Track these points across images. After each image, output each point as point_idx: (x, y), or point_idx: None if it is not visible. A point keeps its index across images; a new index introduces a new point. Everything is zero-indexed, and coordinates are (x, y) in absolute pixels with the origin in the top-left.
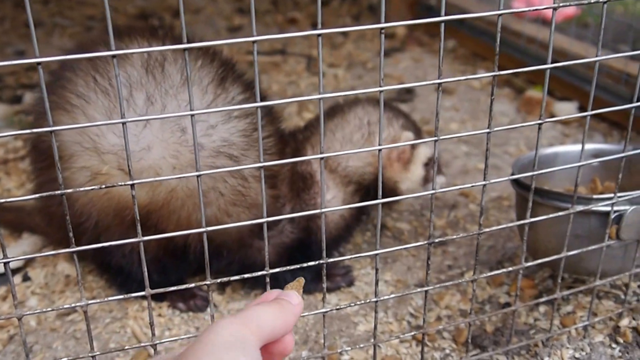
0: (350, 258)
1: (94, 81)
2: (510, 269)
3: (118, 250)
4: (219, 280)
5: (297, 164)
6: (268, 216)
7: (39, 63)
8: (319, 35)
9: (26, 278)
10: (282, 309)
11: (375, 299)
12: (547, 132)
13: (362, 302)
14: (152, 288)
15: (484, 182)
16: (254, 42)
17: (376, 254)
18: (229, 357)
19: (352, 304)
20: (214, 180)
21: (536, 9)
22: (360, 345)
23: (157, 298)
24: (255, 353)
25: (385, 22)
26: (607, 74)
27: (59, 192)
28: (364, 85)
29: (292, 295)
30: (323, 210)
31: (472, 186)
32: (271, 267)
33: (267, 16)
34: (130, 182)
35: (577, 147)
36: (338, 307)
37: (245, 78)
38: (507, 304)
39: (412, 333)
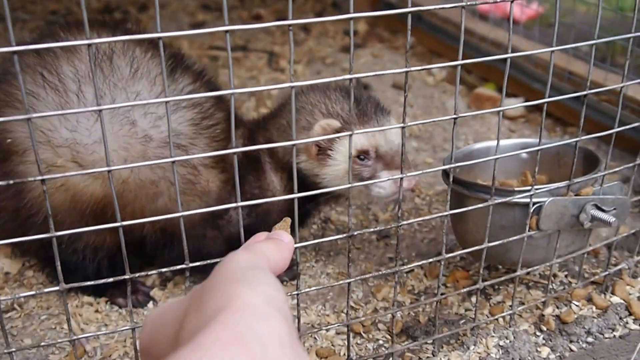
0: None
1: (42, 78)
2: (433, 259)
3: (70, 246)
4: (137, 275)
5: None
6: (219, 202)
7: (14, 52)
8: (289, 26)
9: None
10: (279, 245)
11: (296, 292)
12: (495, 127)
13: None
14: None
15: (401, 175)
16: (226, 32)
17: (297, 246)
18: (251, 275)
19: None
20: (164, 170)
21: (495, 1)
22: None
23: (96, 293)
24: (270, 275)
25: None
26: (554, 73)
27: (39, 177)
28: (321, 78)
29: (283, 234)
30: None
31: (394, 178)
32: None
33: (233, 12)
34: (41, 178)
35: (508, 142)
36: None
37: (194, 69)
38: (442, 295)
39: (340, 324)
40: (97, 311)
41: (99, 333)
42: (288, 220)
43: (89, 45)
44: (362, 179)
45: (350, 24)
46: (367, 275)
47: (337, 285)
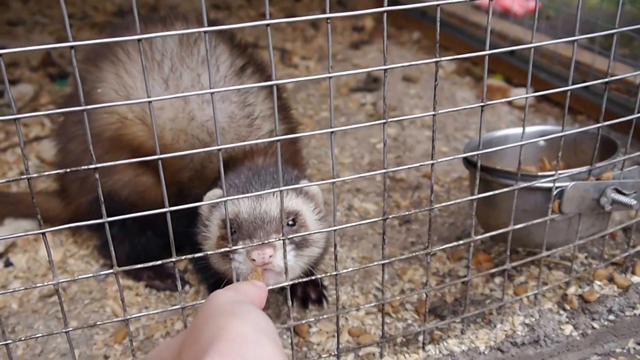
0: (311, 233)
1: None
2: (462, 242)
3: (118, 199)
4: (183, 258)
5: None
6: None
7: (72, 47)
8: (328, 19)
9: (8, 264)
10: (256, 286)
11: (335, 273)
12: (505, 117)
13: (324, 275)
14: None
15: (432, 161)
16: (267, 25)
17: (334, 230)
18: (239, 308)
19: (312, 277)
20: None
21: None
22: (324, 316)
23: (136, 277)
24: (256, 309)
25: (354, 15)
26: (559, 62)
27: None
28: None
29: (256, 281)
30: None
31: (422, 165)
32: None
33: (241, 11)
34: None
35: (526, 130)
36: (301, 279)
37: (266, 73)
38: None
39: (373, 304)
40: (137, 295)
41: (152, 312)
42: (259, 269)
43: (139, 40)
44: (226, 256)
45: (327, 25)
46: (403, 256)
47: (375, 265)
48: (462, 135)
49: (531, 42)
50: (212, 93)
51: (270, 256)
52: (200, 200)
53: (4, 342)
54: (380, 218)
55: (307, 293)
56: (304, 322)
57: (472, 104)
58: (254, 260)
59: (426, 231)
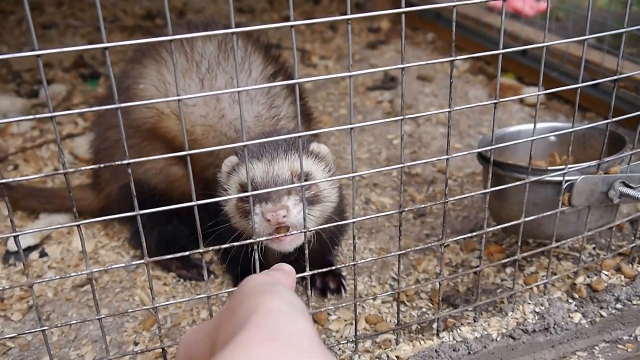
0: (331, 226)
1: (181, 44)
2: (475, 233)
3: (148, 187)
4: (210, 249)
5: None
6: None
7: (105, 48)
8: (348, 20)
9: (43, 254)
10: (285, 272)
11: (353, 263)
12: (516, 114)
13: (344, 265)
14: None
15: (447, 156)
16: (291, 27)
17: (353, 222)
18: (272, 287)
19: (333, 267)
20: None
21: None
22: (343, 305)
23: (164, 267)
24: (288, 289)
25: (371, 17)
26: (569, 61)
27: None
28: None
29: (284, 265)
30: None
31: (438, 159)
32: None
33: (264, 14)
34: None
35: (537, 126)
36: (321, 270)
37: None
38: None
39: (389, 293)
40: (165, 284)
41: (179, 301)
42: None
43: (171, 40)
44: (247, 216)
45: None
46: (417, 248)
47: (391, 256)
48: (476, 132)
49: (543, 42)
50: (239, 92)
51: (284, 216)
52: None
53: (40, 329)
54: (397, 211)
55: (325, 283)
56: (322, 309)
57: (483, 100)
58: (269, 220)
59: (440, 224)
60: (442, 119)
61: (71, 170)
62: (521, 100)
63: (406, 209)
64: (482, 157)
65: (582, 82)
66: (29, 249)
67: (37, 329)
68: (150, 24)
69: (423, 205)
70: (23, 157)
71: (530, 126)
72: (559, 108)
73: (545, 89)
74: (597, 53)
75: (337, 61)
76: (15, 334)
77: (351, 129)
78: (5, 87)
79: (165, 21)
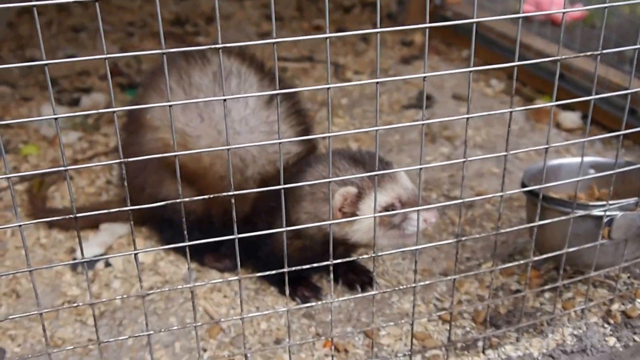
0: (391, 253)
1: (179, 78)
2: (522, 261)
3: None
4: (245, 276)
5: None
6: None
7: (164, 53)
8: (377, 32)
9: (108, 264)
10: None
11: (414, 285)
12: (552, 139)
13: (403, 286)
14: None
15: (501, 193)
16: (326, 38)
17: (416, 249)
18: None
19: (395, 289)
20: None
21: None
22: (402, 321)
23: (199, 262)
24: None
25: (403, 31)
26: (609, 87)
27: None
28: (387, 91)
29: None
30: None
31: (492, 197)
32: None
33: (294, 23)
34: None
35: (578, 160)
36: (381, 291)
37: (292, 99)
38: (518, 291)
39: (440, 313)
40: (225, 296)
41: (265, 313)
42: None
43: (219, 49)
44: (393, 226)
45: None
46: (469, 273)
47: (444, 280)
48: (513, 156)
49: (558, 55)
50: (224, 100)
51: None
52: (245, 218)
53: (146, 333)
54: (455, 240)
55: (352, 278)
56: (373, 327)
57: (520, 124)
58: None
59: (479, 248)
60: (479, 142)
61: (71, 167)
62: (557, 124)
63: (463, 239)
64: (529, 190)
65: (615, 107)
66: (94, 261)
67: (143, 333)
68: (180, 30)
69: (478, 236)
70: (75, 169)
71: (571, 160)
72: (595, 133)
73: (583, 115)
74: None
75: (371, 76)
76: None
77: (376, 130)
78: (45, 95)
79: (195, 28)
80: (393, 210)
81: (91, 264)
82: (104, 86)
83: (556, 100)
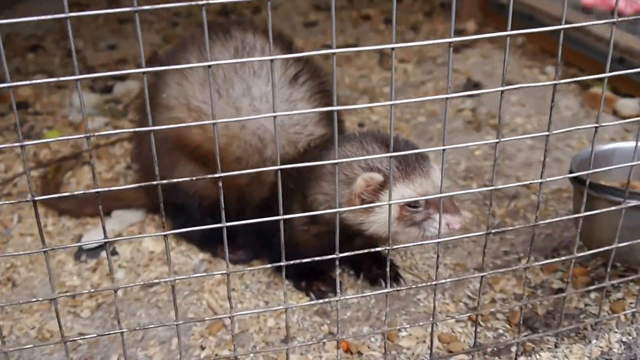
0: (415, 245)
1: (200, 54)
2: (563, 258)
3: (184, 191)
4: (233, 271)
5: None
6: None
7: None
8: (392, 48)
9: (114, 253)
10: None
11: (435, 282)
12: (608, 127)
13: (424, 284)
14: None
15: (540, 180)
16: (333, 54)
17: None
18: None
19: (413, 287)
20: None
21: None
22: (420, 323)
23: (211, 252)
24: None
25: (456, 19)
26: None
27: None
28: (433, 79)
29: None
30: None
31: (531, 183)
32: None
33: (343, 12)
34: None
35: (633, 144)
36: (398, 288)
37: (320, 80)
38: (560, 290)
39: (467, 314)
40: (233, 289)
41: (255, 311)
42: None
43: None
44: (414, 223)
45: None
46: (502, 270)
47: (475, 277)
48: (564, 144)
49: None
50: (274, 117)
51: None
52: (261, 203)
53: (119, 331)
54: (484, 232)
55: (377, 274)
56: (397, 328)
57: (574, 110)
58: (454, 228)
59: (521, 241)
60: (529, 129)
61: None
62: (615, 112)
63: (493, 231)
64: (575, 178)
65: None
66: (101, 247)
67: (114, 331)
68: (225, 19)
69: (510, 228)
70: (96, 154)
71: (626, 144)
72: None
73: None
74: None
75: (418, 64)
76: (94, 335)
77: (392, 105)
78: (81, 83)
79: (239, 17)
80: (416, 207)
81: (95, 252)
82: (139, 75)
83: (615, 88)
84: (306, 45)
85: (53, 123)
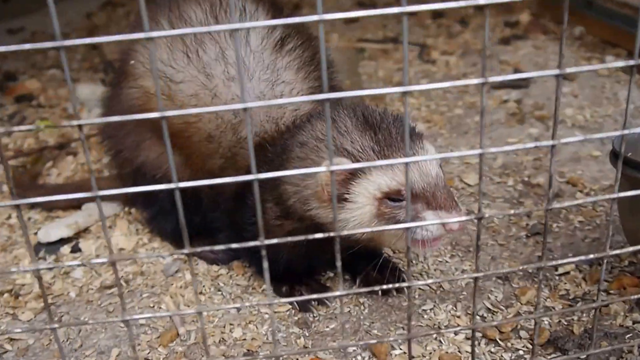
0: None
1: (168, 12)
2: (592, 256)
3: (150, 176)
4: (199, 250)
5: None
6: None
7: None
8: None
9: (76, 249)
10: None
11: (407, 284)
12: None
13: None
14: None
15: (613, 195)
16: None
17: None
18: None
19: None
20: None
21: None
22: (418, 337)
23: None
24: None
25: (510, 10)
26: None
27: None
28: (477, 71)
29: None
30: None
31: (600, 199)
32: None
33: (387, 6)
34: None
35: None
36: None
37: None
38: (603, 302)
39: (459, 328)
40: (201, 293)
41: (231, 306)
42: None
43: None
44: (397, 222)
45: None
46: (501, 271)
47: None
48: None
49: None
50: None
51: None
52: (234, 193)
53: (50, 327)
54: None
55: (375, 279)
56: (387, 340)
57: (637, 104)
58: (451, 230)
59: (559, 245)
60: (580, 120)
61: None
62: None
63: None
64: (615, 156)
65: None
66: (62, 242)
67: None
68: None
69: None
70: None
71: None
72: None
73: None
74: None
75: (461, 57)
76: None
77: (405, 92)
78: (94, 76)
79: None
80: (399, 201)
81: (55, 247)
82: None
83: None
84: (342, 40)
85: (50, 115)
